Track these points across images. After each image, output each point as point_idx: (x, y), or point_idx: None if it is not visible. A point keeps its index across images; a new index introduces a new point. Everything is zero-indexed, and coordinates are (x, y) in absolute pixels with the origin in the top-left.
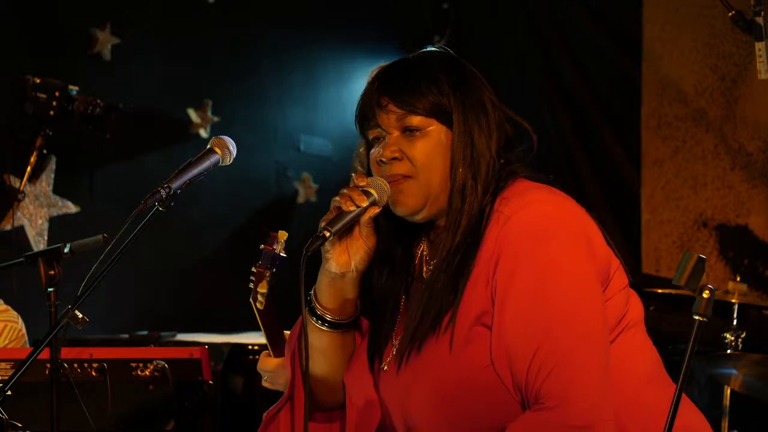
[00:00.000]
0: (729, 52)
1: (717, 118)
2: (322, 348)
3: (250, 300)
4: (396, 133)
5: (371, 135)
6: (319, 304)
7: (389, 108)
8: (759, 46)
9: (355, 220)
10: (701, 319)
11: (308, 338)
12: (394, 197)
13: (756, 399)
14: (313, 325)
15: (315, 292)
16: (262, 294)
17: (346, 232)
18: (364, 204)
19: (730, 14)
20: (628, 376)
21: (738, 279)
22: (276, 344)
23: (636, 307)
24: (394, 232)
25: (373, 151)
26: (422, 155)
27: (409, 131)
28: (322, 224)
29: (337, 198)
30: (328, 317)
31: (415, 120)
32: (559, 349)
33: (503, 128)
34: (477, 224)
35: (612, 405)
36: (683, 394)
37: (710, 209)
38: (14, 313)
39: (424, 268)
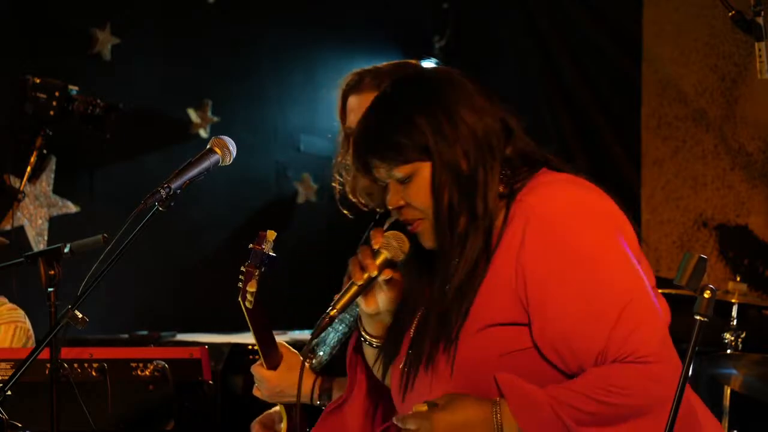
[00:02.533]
0: (729, 52)
1: (717, 118)
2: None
3: (239, 299)
4: (393, 182)
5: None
6: (365, 332)
7: (376, 165)
8: (759, 46)
9: (366, 289)
10: (702, 319)
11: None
12: (417, 237)
13: (756, 399)
14: (365, 344)
15: (361, 320)
16: (251, 293)
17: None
18: (374, 273)
19: (730, 14)
20: None
21: (738, 279)
22: (267, 351)
23: (665, 313)
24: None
25: (386, 195)
26: (419, 198)
27: (401, 181)
28: (335, 298)
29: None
30: (375, 342)
31: (402, 170)
32: (629, 319)
33: (494, 127)
34: (477, 238)
35: None
36: (703, 404)
37: (710, 209)
38: (21, 312)
39: None
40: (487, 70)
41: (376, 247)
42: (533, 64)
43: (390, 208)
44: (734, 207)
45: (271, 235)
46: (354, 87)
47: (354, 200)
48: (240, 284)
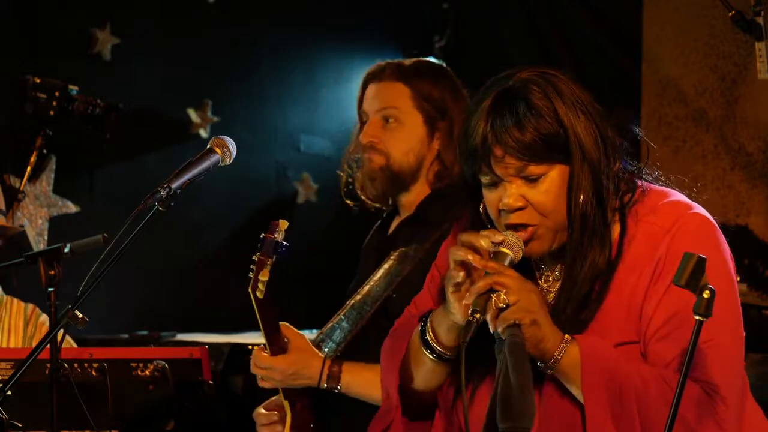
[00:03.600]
0: (729, 52)
1: (717, 118)
2: (427, 372)
3: (249, 290)
4: (516, 181)
5: (485, 180)
6: (437, 342)
7: (507, 161)
8: (759, 46)
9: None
10: (701, 319)
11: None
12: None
13: (756, 399)
14: (422, 352)
15: (433, 329)
16: (262, 282)
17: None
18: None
19: (730, 14)
20: None
21: (738, 279)
22: (273, 339)
23: None
24: None
25: (490, 195)
26: (548, 201)
27: (530, 180)
28: (472, 300)
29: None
30: (446, 355)
31: (537, 169)
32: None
33: (608, 131)
34: (603, 257)
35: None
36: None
37: (710, 209)
38: (45, 317)
39: (540, 269)
40: (487, 70)
41: (496, 247)
42: (533, 64)
43: (502, 208)
44: (734, 207)
45: (284, 224)
46: (375, 76)
47: (363, 197)
48: (251, 274)
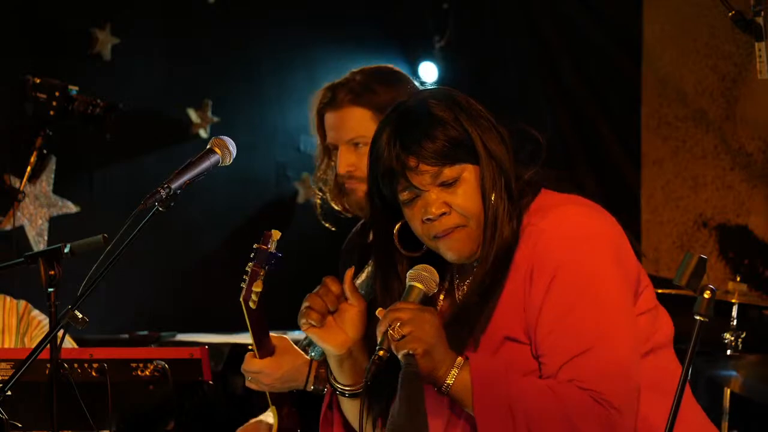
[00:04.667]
0: (729, 52)
1: (717, 118)
2: (347, 410)
3: (240, 300)
4: (434, 189)
5: (404, 196)
6: (340, 385)
7: (421, 168)
8: (759, 46)
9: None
10: (702, 319)
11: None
12: (446, 249)
13: (756, 400)
14: (342, 397)
15: (332, 374)
16: (256, 293)
17: (327, 311)
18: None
19: (730, 14)
20: (655, 398)
21: (738, 279)
22: (262, 345)
23: (664, 328)
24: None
25: (411, 211)
26: (468, 202)
27: (446, 185)
28: (378, 339)
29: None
30: (349, 391)
31: (451, 172)
32: (595, 356)
33: (510, 136)
34: (508, 246)
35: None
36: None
37: (710, 209)
38: (37, 311)
39: (455, 284)
40: (487, 70)
41: (410, 282)
42: (533, 64)
43: (426, 218)
44: (734, 207)
45: (276, 234)
46: (329, 103)
47: (338, 207)
48: (243, 284)
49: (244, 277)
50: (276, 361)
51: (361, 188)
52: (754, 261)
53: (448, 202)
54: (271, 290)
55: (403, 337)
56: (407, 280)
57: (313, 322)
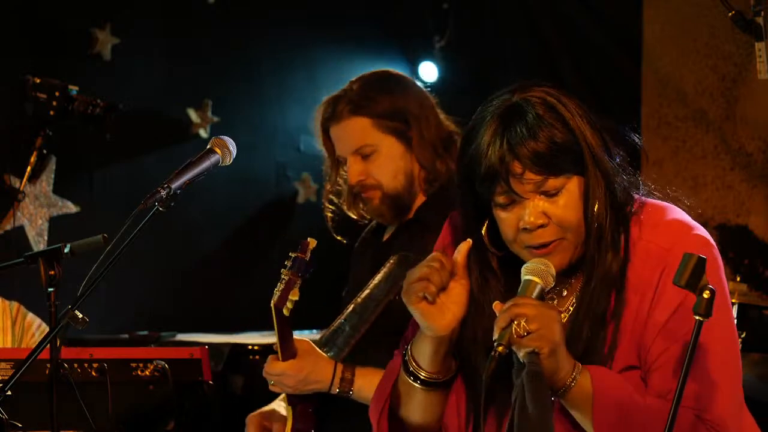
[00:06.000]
0: (729, 52)
1: (717, 118)
2: (420, 403)
3: (272, 304)
4: (535, 198)
5: (500, 200)
6: (423, 370)
7: (526, 176)
8: (759, 46)
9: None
10: (702, 319)
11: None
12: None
13: (756, 399)
14: (410, 383)
15: (414, 357)
16: (292, 301)
17: (439, 289)
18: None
19: (730, 14)
20: None
21: (738, 279)
22: (286, 348)
23: None
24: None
25: (507, 215)
26: (569, 215)
27: (549, 195)
28: (496, 335)
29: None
30: (433, 379)
31: (555, 183)
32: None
33: (610, 141)
34: (620, 263)
35: None
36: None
37: (710, 209)
38: (31, 315)
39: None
40: (487, 69)
41: (527, 276)
42: (533, 64)
43: (523, 227)
44: (734, 207)
45: (312, 243)
46: (331, 117)
47: (354, 216)
48: (277, 290)
49: (279, 284)
50: (298, 363)
51: (375, 195)
52: (754, 261)
53: (548, 213)
54: (271, 290)
55: (529, 333)
56: (523, 273)
57: (429, 296)
